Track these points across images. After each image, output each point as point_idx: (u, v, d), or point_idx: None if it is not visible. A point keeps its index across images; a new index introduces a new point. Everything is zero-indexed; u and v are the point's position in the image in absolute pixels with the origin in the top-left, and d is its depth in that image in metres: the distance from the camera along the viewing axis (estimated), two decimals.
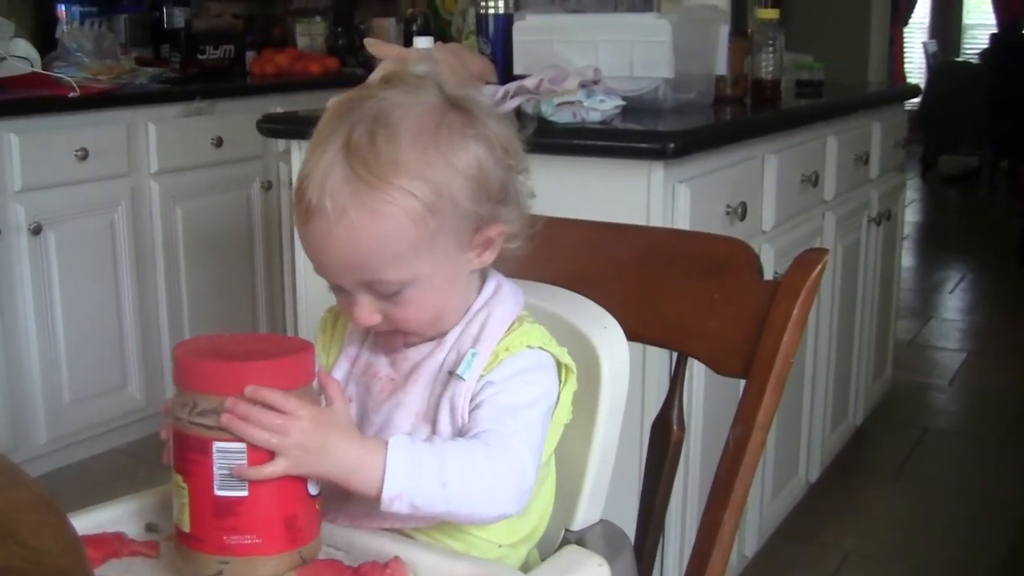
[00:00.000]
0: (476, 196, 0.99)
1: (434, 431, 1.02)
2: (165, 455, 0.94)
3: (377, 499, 0.92)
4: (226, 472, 0.89)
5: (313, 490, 0.93)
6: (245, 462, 0.88)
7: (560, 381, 1.04)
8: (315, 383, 0.95)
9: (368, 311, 1.00)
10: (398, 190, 0.95)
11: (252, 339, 1.01)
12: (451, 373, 1.02)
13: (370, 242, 0.96)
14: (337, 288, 1.02)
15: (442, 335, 1.05)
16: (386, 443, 0.93)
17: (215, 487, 0.89)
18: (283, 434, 0.88)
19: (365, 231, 0.95)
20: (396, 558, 0.93)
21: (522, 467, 0.97)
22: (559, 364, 1.04)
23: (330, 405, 0.94)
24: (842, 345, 2.77)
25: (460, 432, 1.00)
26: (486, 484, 0.95)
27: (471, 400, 1.01)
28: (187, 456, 0.90)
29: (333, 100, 1.02)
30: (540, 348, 1.03)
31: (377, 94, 0.99)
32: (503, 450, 0.97)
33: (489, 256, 1.04)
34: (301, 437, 0.89)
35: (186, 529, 0.91)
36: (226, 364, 0.90)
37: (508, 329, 1.04)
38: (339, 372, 1.10)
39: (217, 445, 0.88)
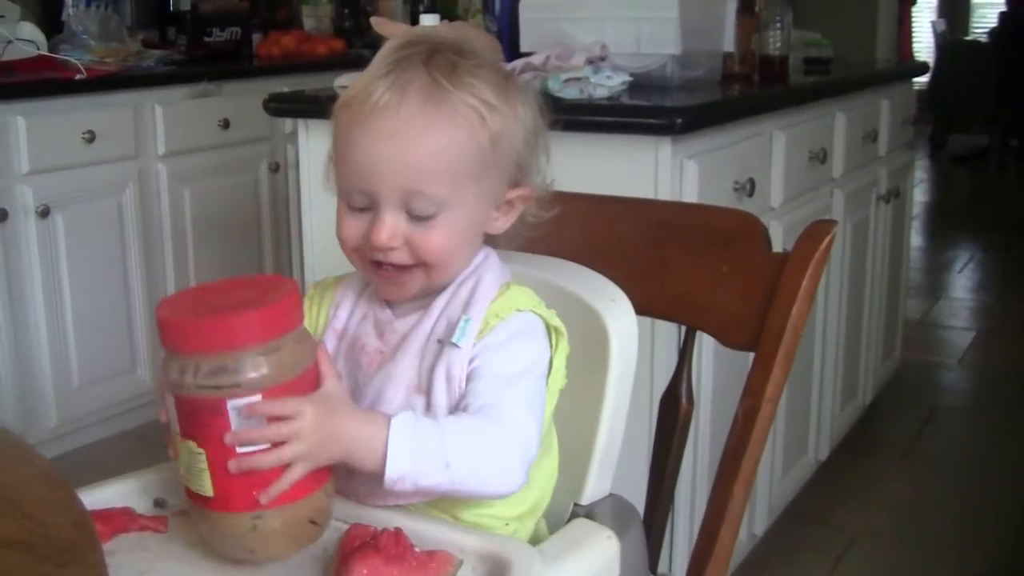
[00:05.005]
0: (525, 148, 1.04)
1: (429, 402, 1.01)
2: (171, 448, 0.92)
3: (381, 478, 0.92)
4: (245, 428, 0.86)
5: None
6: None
7: (551, 345, 1.04)
8: (305, 322, 0.94)
9: (391, 232, 0.99)
10: (473, 109, 0.98)
11: (229, 286, 0.94)
12: (440, 342, 1.02)
13: (437, 145, 0.97)
14: (356, 210, 1.00)
15: (428, 303, 1.05)
16: (389, 421, 0.92)
17: (236, 445, 0.87)
18: (296, 439, 0.88)
19: (436, 134, 0.97)
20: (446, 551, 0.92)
21: (526, 438, 0.97)
22: (548, 327, 1.04)
23: (324, 382, 0.93)
24: (851, 324, 2.76)
25: (457, 403, 1.00)
26: (491, 461, 0.95)
27: (466, 366, 1.00)
28: (198, 420, 0.87)
29: (392, 42, 1.03)
30: (530, 311, 1.03)
31: (450, 35, 1.04)
32: (506, 423, 0.96)
33: (504, 223, 1.07)
34: (312, 433, 0.89)
35: (208, 494, 0.89)
36: (223, 319, 0.86)
37: (497, 294, 1.04)
38: (327, 347, 1.08)
39: (231, 403, 0.86)
